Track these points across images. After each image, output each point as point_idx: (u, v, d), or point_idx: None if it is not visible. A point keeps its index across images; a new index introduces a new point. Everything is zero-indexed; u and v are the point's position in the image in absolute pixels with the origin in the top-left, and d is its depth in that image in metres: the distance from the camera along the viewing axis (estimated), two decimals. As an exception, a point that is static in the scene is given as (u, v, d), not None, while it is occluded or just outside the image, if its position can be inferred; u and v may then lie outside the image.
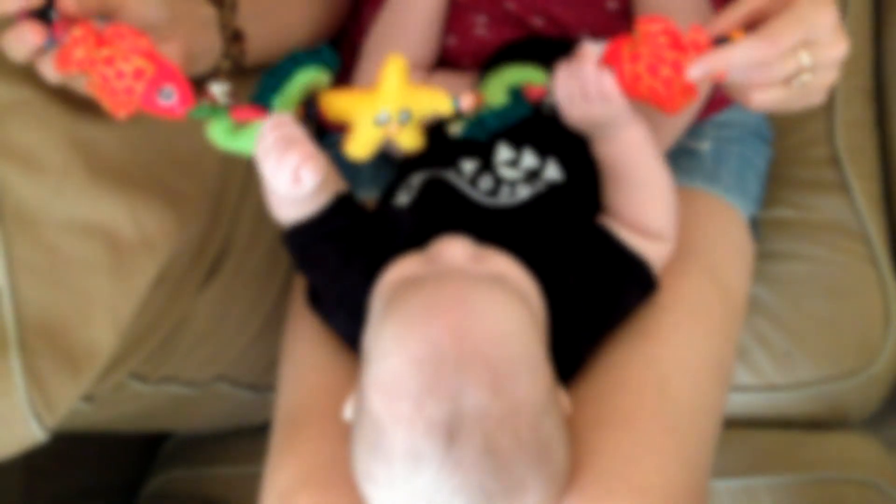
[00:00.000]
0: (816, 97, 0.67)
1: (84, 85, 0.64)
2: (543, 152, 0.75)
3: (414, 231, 0.70)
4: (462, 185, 0.74)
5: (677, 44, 0.65)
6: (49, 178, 0.66)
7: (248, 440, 1.11)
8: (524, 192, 0.73)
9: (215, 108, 0.65)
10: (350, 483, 0.64)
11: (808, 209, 1.06)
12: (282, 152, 0.63)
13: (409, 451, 0.58)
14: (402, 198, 0.75)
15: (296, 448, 0.72)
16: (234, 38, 0.76)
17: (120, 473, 1.23)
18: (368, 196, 0.89)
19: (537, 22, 0.84)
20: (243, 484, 0.99)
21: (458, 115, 0.70)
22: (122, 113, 0.64)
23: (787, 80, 0.64)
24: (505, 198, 0.73)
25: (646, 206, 0.73)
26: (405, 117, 0.67)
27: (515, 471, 0.59)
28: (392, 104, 0.66)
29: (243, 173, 0.89)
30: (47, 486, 1.10)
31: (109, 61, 0.62)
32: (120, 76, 0.62)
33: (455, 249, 0.66)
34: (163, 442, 1.24)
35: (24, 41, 0.61)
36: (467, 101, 0.69)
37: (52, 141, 0.67)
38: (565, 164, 0.75)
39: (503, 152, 0.75)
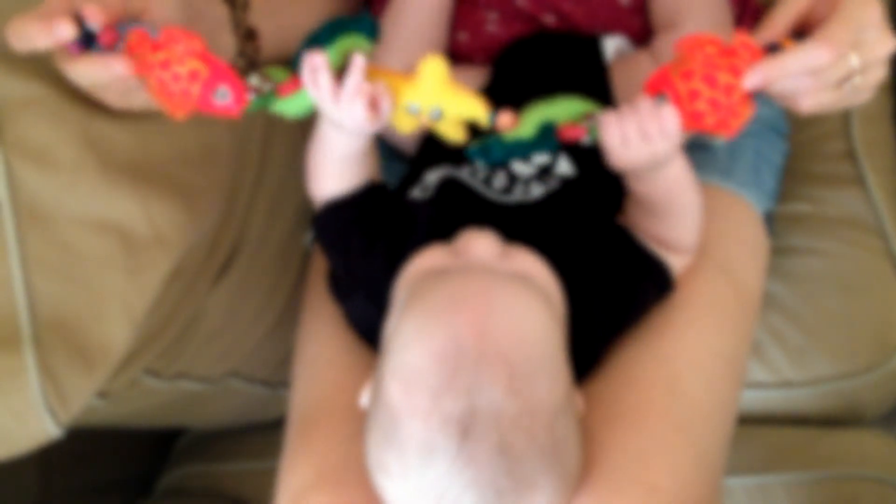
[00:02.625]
0: (864, 96, 0.66)
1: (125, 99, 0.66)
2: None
3: (434, 226, 0.70)
4: (477, 184, 0.74)
5: (727, 51, 0.62)
6: (62, 174, 0.67)
7: (261, 435, 1.11)
8: (538, 190, 0.73)
9: (264, 98, 0.65)
10: (364, 482, 0.64)
11: (823, 204, 1.06)
12: (353, 86, 0.63)
13: (423, 444, 0.58)
14: (417, 195, 0.75)
15: (310, 447, 0.72)
16: (248, 36, 0.76)
17: (134, 469, 1.23)
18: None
19: (549, 19, 0.84)
20: (257, 479, 0.99)
21: (491, 129, 0.68)
22: (180, 114, 0.65)
23: (838, 83, 0.63)
24: (519, 195, 0.73)
25: (676, 231, 0.72)
26: (436, 114, 0.66)
27: (527, 470, 0.59)
28: (422, 100, 0.65)
29: (256, 169, 0.89)
30: (62, 482, 1.11)
31: (165, 65, 0.62)
32: (176, 79, 0.62)
33: (482, 245, 0.66)
34: (177, 437, 1.24)
35: (111, 72, 0.62)
36: (504, 120, 0.67)
37: (65, 137, 0.67)
38: (577, 158, 0.75)
39: None
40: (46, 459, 0.87)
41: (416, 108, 0.65)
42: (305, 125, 0.95)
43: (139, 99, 0.67)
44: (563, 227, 0.71)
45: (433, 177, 0.75)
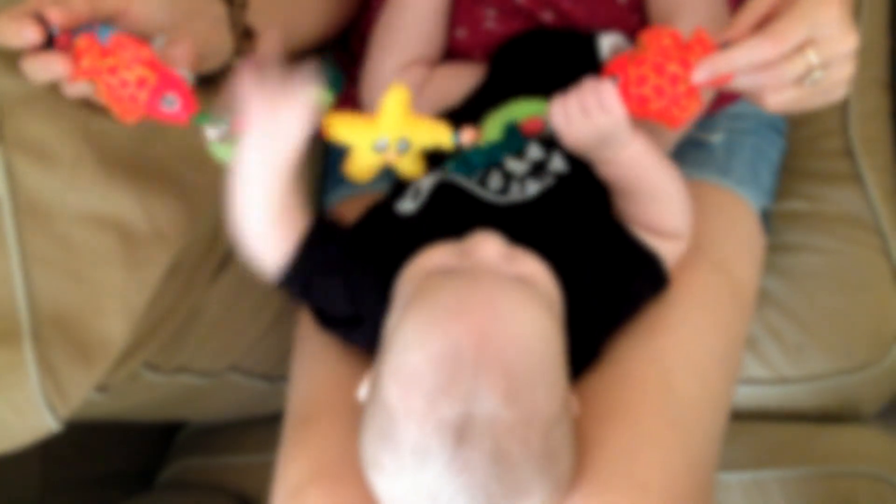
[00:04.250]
0: (836, 93, 0.66)
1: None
2: (548, 144, 0.75)
3: (427, 238, 0.69)
4: (472, 186, 0.73)
5: (682, 45, 0.64)
6: (62, 170, 0.67)
7: (261, 429, 1.12)
8: (533, 187, 0.73)
9: (218, 119, 0.66)
10: (360, 478, 0.65)
11: (821, 201, 1.06)
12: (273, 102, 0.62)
13: (417, 446, 0.59)
14: (408, 204, 0.75)
15: (306, 442, 0.73)
16: (245, 35, 0.76)
17: (136, 462, 1.24)
18: (378, 191, 0.89)
19: (547, 16, 0.84)
20: (257, 472, 0.99)
21: (458, 149, 0.70)
22: (129, 119, 0.66)
23: (799, 80, 0.63)
24: (515, 194, 0.73)
25: (660, 213, 0.73)
26: (403, 146, 0.68)
27: (521, 476, 0.59)
28: (391, 133, 0.67)
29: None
30: (64, 474, 1.12)
31: (113, 71, 0.63)
32: (124, 85, 0.64)
33: (489, 246, 0.66)
34: (178, 431, 1.25)
35: (51, 71, 0.63)
36: (467, 137, 0.69)
37: (64, 134, 0.67)
38: (570, 155, 0.75)
39: None
40: (48, 452, 0.88)
41: (383, 143, 0.67)
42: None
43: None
44: (559, 224, 0.71)
45: (426, 182, 0.75)
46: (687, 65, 0.64)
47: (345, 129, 0.67)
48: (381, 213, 0.76)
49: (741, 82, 0.65)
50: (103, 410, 0.86)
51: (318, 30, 0.88)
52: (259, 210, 0.67)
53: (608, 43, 0.81)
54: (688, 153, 0.87)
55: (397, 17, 0.83)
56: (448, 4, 0.84)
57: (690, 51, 0.64)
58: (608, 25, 0.82)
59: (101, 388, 0.80)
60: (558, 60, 0.80)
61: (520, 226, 0.69)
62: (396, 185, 0.79)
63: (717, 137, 0.91)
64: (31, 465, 1.08)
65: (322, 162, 1.00)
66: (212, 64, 0.73)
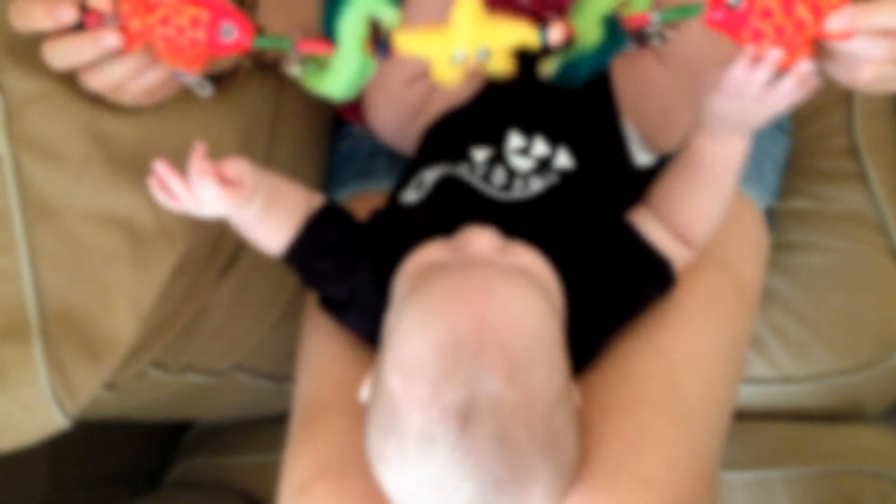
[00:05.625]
0: None
1: (132, 90, 0.67)
2: (555, 139, 0.75)
3: (426, 229, 0.70)
4: (475, 181, 0.74)
5: None
6: (70, 169, 0.68)
7: (268, 428, 1.12)
8: (537, 185, 0.73)
9: (279, 39, 0.65)
10: (366, 474, 0.65)
11: (826, 200, 1.06)
12: (195, 170, 0.66)
13: (422, 433, 0.59)
14: (411, 195, 0.75)
15: (312, 439, 0.73)
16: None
17: (143, 460, 1.24)
18: (384, 189, 0.90)
19: (550, 16, 0.84)
20: (263, 471, 1.00)
21: (546, 49, 0.63)
22: (196, 67, 0.65)
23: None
24: (519, 191, 0.73)
25: (700, 215, 0.72)
26: (483, 55, 0.63)
27: (526, 460, 0.60)
28: (466, 44, 0.62)
29: (261, 166, 0.90)
30: (72, 472, 1.12)
31: (165, 21, 0.63)
32: (180, 31, 0.63)
33: (482, 240, 0.67)
34: (185, 430, 1.25)
35: (102, 46, 0.62)
36: (556, 34, 0.62)
37: (72, 132, 0.68)
38: (577, 151, 0.75)
39: (514, 140, 0.75)
40: (56, 451, 0.88)
41: (460, 55, 0.62)
42: (309, 124, 0.97)
43: (155, 95, 0.68)
44: (562, 222, 0.72)
45: (430, 175, 0.76)
46: (818, 12, 0.58)
47: (416, 44, 0.63)
48: (387, 203, 0.78)
49: (856, 46, 0.60)
50: (111, 409, 0.87)
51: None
52: (252, 224, 0.71)
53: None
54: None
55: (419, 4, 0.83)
56: None
57: (823, 1, 0.58)
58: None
59: (109, 386, 0.80)
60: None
61: (521, 223, 0.70)
62: (402, 175, 0.79)
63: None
64: (39, 463, 1.09)
65: (328, 160, 1.00)
66: (223, 64, 0.73)
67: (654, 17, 0.61)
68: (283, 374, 1.02)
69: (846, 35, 0.59)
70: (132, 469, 1.23)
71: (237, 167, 0.68)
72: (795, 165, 1.04)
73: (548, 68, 0.65)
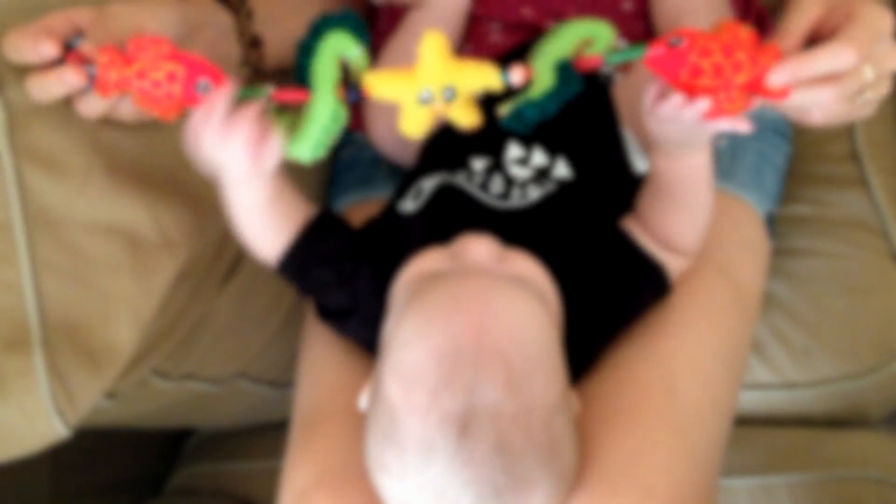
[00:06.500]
0: (869, 110, 0.65)
1: (118, 112, 0.67)
2: (553, 150, 0.75)
3: (424, 238, 0.70)
4: (473, 189, 0.74)
5: (756, 44, 0.60)
6: (71, 180, 0.68)
7: (269, 436, 1.12)
8: (535, 193, 0.73)
9: (255, 89, 0.65)
10: (365, 481, 0.65)
11: (827, 205, 1.06)
12: (231, 126, 0.62)
13: (421, 442, 0.59)
14: (409, 203, 0.75)
15: (312, 447, 0.73)
16: (253, 44, 0.76)
17: (145, 468, 1.24)
18: (385, 197, 0.90)
19: (552, 26, 0.84)
20: (265, 479, 0.99)
21: (509, 91, 0.64)
22: (172, 117, 0.66)
23: (852, 97, 0.62)
24: (516, 199, 0.73)
25: (682, 227, 0.72)
26: (449, 94, 0.63)
27: (525, 468, 0.60)
28: (433, 82, 0.62)
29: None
30: (74, 480, 1.12)
31: (142, 75, 0.63)
32: (156, 85, 0.64)
33: (480, 248, 0.67)
34: (187, 437, 1.25)
35: (66, 83, 0.64)
36: (517, 75, 0.63)
37: (73, 144, 0.68)
38: (574, 161, 0.75)
39: (513, 150, 0.76)
40: (57, 459, 0.88)
41: (428, 94, 0.63)
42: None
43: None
44: (559, 230, 0.72)
45: (428, 184, 0.76)
46: (755, 61, 0.60)
47: (385, 85, 0.64)
48: (385, 211, 0.78)
49: (803, 94, 0.61)
50: (112, 417, 0.87)
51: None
52: (250, 212, 0.70)
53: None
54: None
55: (406, 46, 0.83)
56: (459, 31, 0.84)
57: (763, 52, 0.60)
58: (612, 33, 0.83)
59: (110, 394, 0.81)
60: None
61: (518, 231, 0.70)
62: (400, 184, 0.80)
63: (721, 141, 0.91)
64: (40, 471, 1.09)
65: (329, 169, 1.00)
66: None
67: (605, 60, 0.63)
68: (285, 381, 1.02)
69: (784, 93, 0.60)
70: (134, 476, 1.23)
71: (273, 145, 0.64)
72: (796, 171, 1.04)
73: (503, 111, 0.66)
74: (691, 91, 0.61)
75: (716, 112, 0.61)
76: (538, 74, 0.64)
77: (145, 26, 0.66)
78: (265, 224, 0.71)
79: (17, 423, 0.67)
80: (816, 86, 0.61)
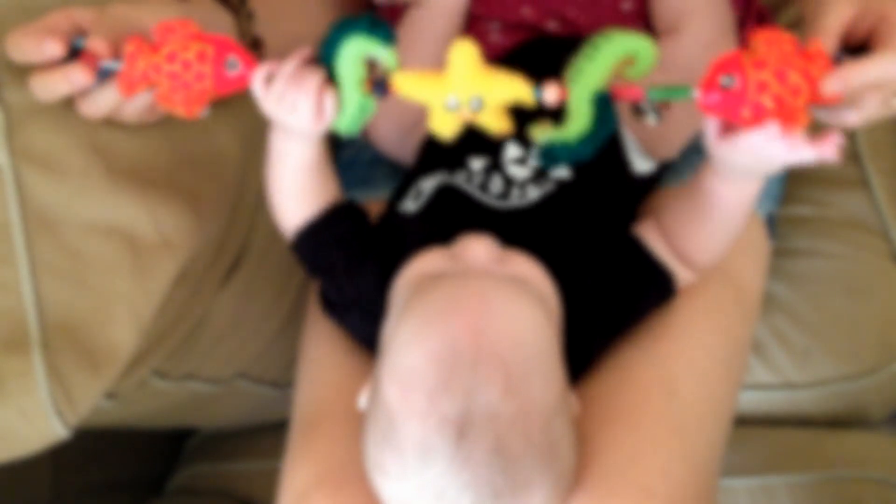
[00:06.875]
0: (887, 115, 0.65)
1: (121, 113, 0.67)
2: None
3: (424, 238, 0.70)
4: (473, 190, 0.74)
5: (803, 53, 0.60)
6: (70, 180, 0.68)
7: (270, 436, 1.12)
8: (534, 193, 0.73)
9: None
10: (365, 482, 0.65)
11: (827, 206, 1.06)
12: (299, 82, 0.62)
13: (420, 445, 0.59)
14: (409, 204, 0.76)
15: (312, 448, 0.73)
16: (254, 45, 0.76)
17: (145, 468, 1.24)
18: (384, 197, 0.90)
19: (552, 25, 0.84)
20: (266, 479, 0.99)
21: (541, 108, 0.62)
22: (195, 110, 0.65)
23: (887, 98, 0.63)
24: (516, 199, 0.73)
25: (708, 245, 0.71)
26: (476, 105, 0.62)
27: (524, 470, 0.60)
28: (460, 92, 0.62)
29: (261, 175, 0.90)
30: (74, 480, 1.12)
31: (172, 57, 0.63)
32: (187, 66, 0.63)
33: (479, 249, 0.67)
34: (187, 437, 1.26)
35: (72, 82, 0.63)
36: (551, 94, 0.61)
37: (72, 144, 0.68)
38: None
39: (511, 150, 0.76)
40: (58, 459, 0.88)
41: (455, 102, 0.62)
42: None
43: (158, 111, 0.68)
44: (559, 230, 0.72)
45: (428, 184, 0.76)
46: (809, 76, 0.59)
47: (413, 86, 0.63)
48: (386, 210, 0.78)
49: (848, 102, 0.61)
50: (112, 417, 0.87)
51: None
52: (295, 171, 0.69)
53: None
54: (692, 158, 0.87)
55: (406, 45, 0.82)
56: (458, 31, 0.84)
57: (811, 61, 0.59)
58: (612, 33, 0.82)
59: (110, 395, 0.81)
60: (561, 67, 0.80)
61: (518, 231, 0.70)
62: (400, 184, 0.80)
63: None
64: (41, 472, 1.09)
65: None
66: None
67: (647, 94, 0.61)
68: (285, 381, 1.02)
69: (836, 99, 0.60)
70: (134, 477, 1.23)
71: (331, 106, 0.63)
72: (797, 171, 1.04)
73: (539, 134, 0.64)
74: (759, 117, 0.60)
75: (791, 122, 0.60)
76: (575, 105, 0.62)
77: (147, 26, 0.66)
78: (302, 187, 0.71)
79: (16, 424, 0.67)
80: (866, 93, 0.61)
